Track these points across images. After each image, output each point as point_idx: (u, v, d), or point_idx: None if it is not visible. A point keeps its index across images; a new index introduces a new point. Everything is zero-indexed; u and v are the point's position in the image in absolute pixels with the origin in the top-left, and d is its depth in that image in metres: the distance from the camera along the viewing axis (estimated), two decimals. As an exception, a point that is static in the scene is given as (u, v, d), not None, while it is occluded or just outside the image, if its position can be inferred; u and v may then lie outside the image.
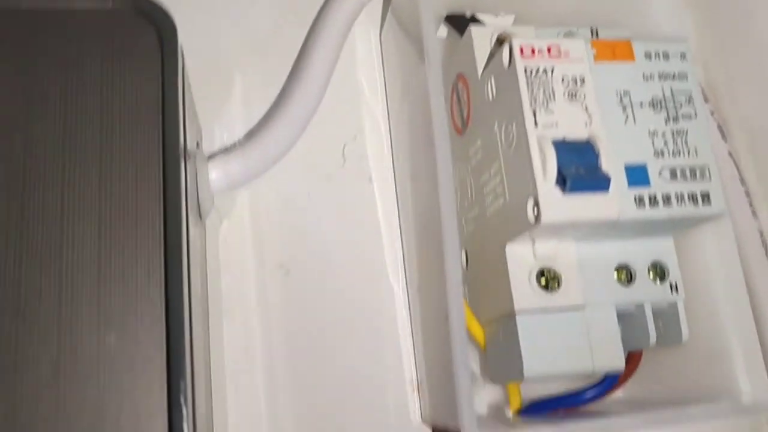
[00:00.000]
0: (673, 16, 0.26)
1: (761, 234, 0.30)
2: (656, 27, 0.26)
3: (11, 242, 0.20)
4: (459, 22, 0.31)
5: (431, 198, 0.24)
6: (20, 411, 0.19)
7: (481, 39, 0.26)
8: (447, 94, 0.29)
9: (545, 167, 0.21)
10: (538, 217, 0.21)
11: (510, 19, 0.31)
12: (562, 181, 0.21)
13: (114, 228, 0.20)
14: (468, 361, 0.21)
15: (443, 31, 0.31)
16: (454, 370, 0.21)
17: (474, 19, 0.31)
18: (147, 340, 0.20)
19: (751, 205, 0.31)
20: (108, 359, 0.19)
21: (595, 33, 0.26)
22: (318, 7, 0.31)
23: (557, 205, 0.21)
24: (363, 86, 0.32)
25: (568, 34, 0.26)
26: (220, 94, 0.30)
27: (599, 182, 0.21)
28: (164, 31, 0.22)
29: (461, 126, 0.27)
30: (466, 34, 0.26)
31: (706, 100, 0.32)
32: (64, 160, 0.21)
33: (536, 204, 0.21)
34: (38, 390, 0.19)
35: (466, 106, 0.27)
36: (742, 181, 0.31)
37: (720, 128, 0.32)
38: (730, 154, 0.31)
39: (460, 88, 0.27)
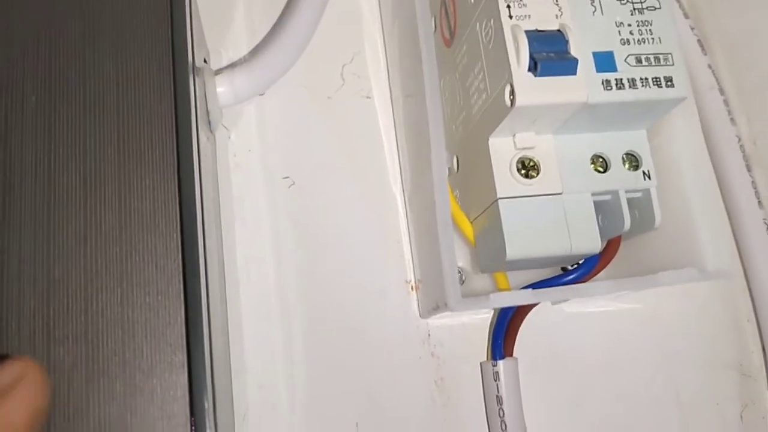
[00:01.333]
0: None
1: (738, 139, 0.32)
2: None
3: (42, 161, 0.22)
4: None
5: (420, 107, 0.26)
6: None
7: (463, -51, 0.27)
8: (436, 11, 0.31)
9: (519, 55, 0.23)
10: (513, 101, 0.23)
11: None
12: (534, 66, 0.23)
13: (132, 137, 0.23)
14: (452, 242, 0.24)
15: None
16: (440, 250, 0.24)
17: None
18: (165, 247, 0.22)
19: (729, 113, 0.32)
20: (132, 265, 0.22)
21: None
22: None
23: (530, 88, 0.23)
24: (360, 8, 0.34)
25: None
26: (225, 18, 0.32)
27: (568, 65, 0.23)
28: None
29: (449, 37, 0.29)
30: (449, -52, 0.28)
31: (686, 16, 0.34)
32: (85, 76, 0.23)
33: (512, 89, 0.23)
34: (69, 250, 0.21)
35: (453, 15, 0.28)
36: (721, 90, 0.33)
37: (700, 42, 0.33)
38: (709, 66, 0.33)
39: (447, 1, 0.29)
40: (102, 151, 0.22)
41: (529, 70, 0.23)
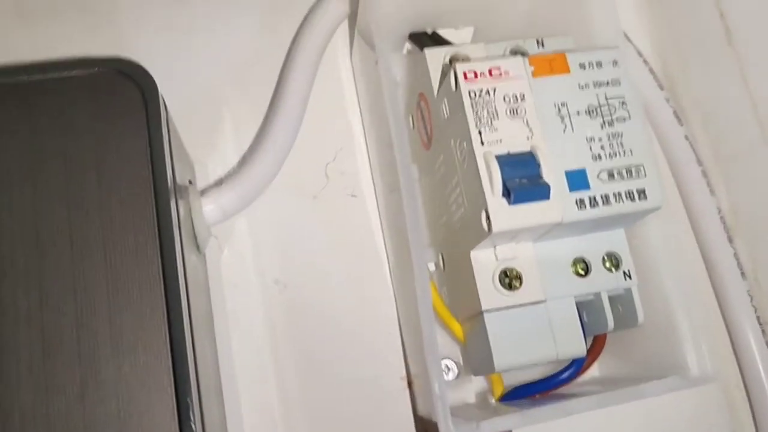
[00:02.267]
0: (613, 25, 0.28)
1: (719, 210, 0.33)
2: (600, 35, 0.28)
3: (32, 290, 0.23)
4: (422, 40, 0.33)
5: (400, 210, 0.27)
6: (54, 427, 0.22)
7: (435, 61, 0.28)
8: (413, 110, 0.31)
9: (492, 181, 0.24)
10: (490, 227, 0.24)
11: (470, 31, 0.34)
12: (507, 194, 0.23)
13: (118, 267, 0.23)
14: (438, 357, 0.24)
15: (407, 47, 0.34)
16: (426, 366, 0.24)
17: (435, 35, 0.33)
18: (155, 365, 0.23)
19: (708, 184, 0.33)
20: (123, 383, 0.22)
21: (541, 44, 0.28)
22: (292, 34, 0.34)
23: (506, 215, 0.24)
24: (339, 105, 0.34)
25: (516, 48, 0.28)
26: (210, 130, 0.33)
27: (540, 192, 0.23)
28: (146, 87, 0.25)
29: (427, 141, 0.30)
30: (421, 55, 0.28)
31: (661, 87, 0.34)
32: (69, 212, 0.24)
33: (487, 216, 0.24)
34: (66, 408, 0.22)
35: (428, 122, 0.29)
36: (699, 162, 0.33)
37: (676, 113, 0.34)
38: (686, 137, 0.33)
39: (422, 105, 0.29)
40: (91, 285, 0.23)
41: (504, 196, 0.24)
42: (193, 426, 0.22)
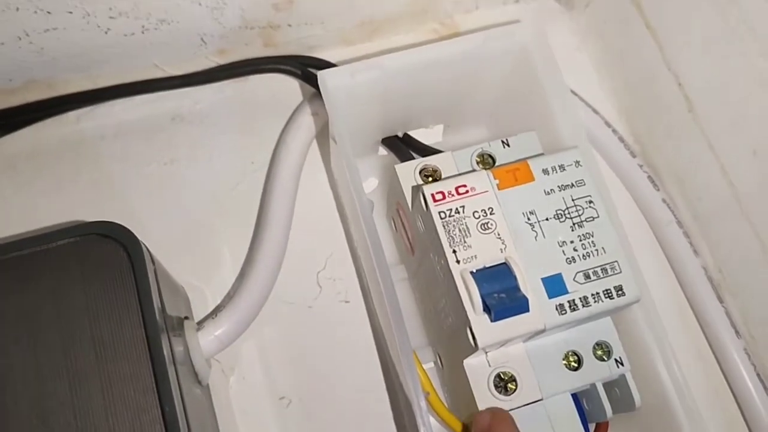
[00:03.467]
0: (572, 118, 0.28)
1: (705, 269, 0.33)
2: (562, 125, 0.29)
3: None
4: (393, 144, 0.34)
5: (386, 317, 0.27)
6: None
7: (406, 175, 0.29)
8: (393, 214, 0.32)
9: (472, 300, 0.24)
10: (476, 344, 0.24)
11: (440, 128, 0.35)
12: (488, 310, 0.24)
13: (119, 415, 0.24)
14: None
15: (383, 151, 0.35)
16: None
17: (407, 137, 0.34)
18: None
19: (691, 244, 0.33)
20: None
21: (506, 144, 0.29)
22: (270, 153, 0.35)
23: (489, 330, 0.24)
24: (324, 214, 0.35)
25: (482, 152, 0.29)
26: (204, 258, 0.34)
27: (519, 305, 0.24)
28: (129, 245, 0.26)
29: (410, 247, 0.30)
30: (392, 172, 0.29)
31: (633, 155, 0.35)
32: (68, 370, 0.25)
33: (472, 333, 0.24)
34: None
35: (409, 230, 0.30)
36: (679, 223, 0.34)
37: (650, 178, 0.35)
38: (663, 200, 0.34)
39: (401, 213, 0.30)
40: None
41: (485, 311, 0.24)
42: None
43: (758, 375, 0.31)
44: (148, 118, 0.36)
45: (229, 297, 0.32)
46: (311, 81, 0.35)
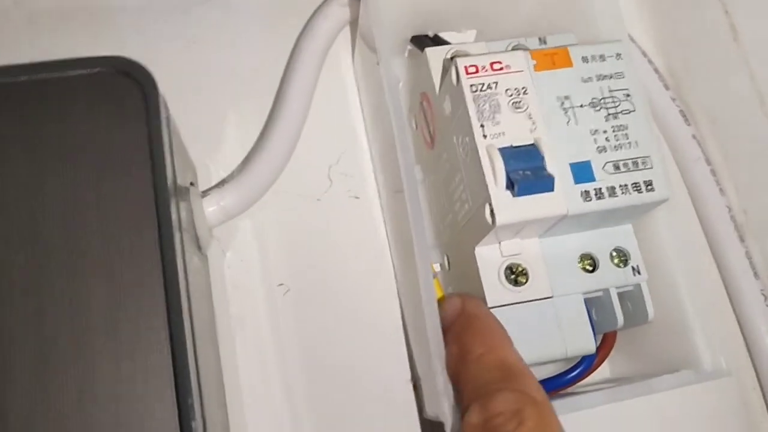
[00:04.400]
0: (616, 19, 0.27)
1: (729, 209, 0.32)
2: (603, 31, 0.28)
3: (30, 293, 0.22)
4: (423, 42, 0.33)
5: (404, 211, 0.26)
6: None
7: (436, 59, 0.28)
8: (416, 111, 0.31)
9: (495, 174, 0.23)
10: (494, 220, 0.23)
11: (472, 34, 0.34)
12: (511, 186, 0.23)
13: (118, 268, 0.23)
14: (443, 354, 0.24)
15: (409, 51, 0.34)
16: (432, 365, 0.24)
17: (437, 38, 0.33)
18: (156, 368, 0.22)
19: (717, 183, 0.32)
20: (123, 385, 0.22)
21: (543, 41, 0.28)
22: (294, 40, 0.34)
23: (510, 207, 0.23)
24: (343, 109, 0.34)
25: (518, 47, 0.28)
26: (215, 134, 0.33)
27: (544, 183, 0.23)
28: (146, 86, 0.25)
29: (430, 140, 0.29)
30: (423, 55, 0.28)
31: (667, 87, 0.34)
32: (67, 210, 0.23)
33: (491, 209, 0.23)
34: (66, 412, 0.21)
35: (431, 122, 0.29)
36: (708, 161, 0.33)
37: (682, 113, 0.33)
38: (693, 136, 0.33)
39: (425, 105, 0.29)
40: (89, 286, 0.23)
41: (507, 188, 0.23)
42: (194, 431, 0.22)
43: (772, 317, 0.30)
44: (175, -5, 0.35)
45: (237, 172, 0.31)
46: (347, -29, 0.34)
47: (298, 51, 0.33)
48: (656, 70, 0.34)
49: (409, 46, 0.33)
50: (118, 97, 0.25)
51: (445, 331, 0.24)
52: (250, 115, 0.33)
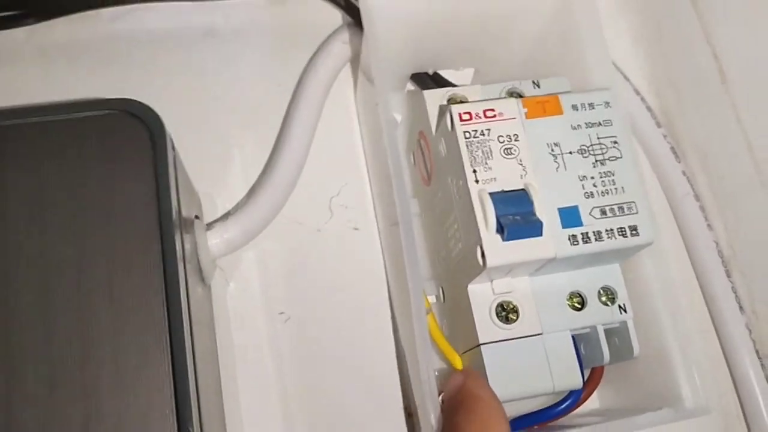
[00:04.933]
0: (606, 67, 0.28)
1: (717, 244, 0.33)
2: (595, 76, 0.29)
3: (38, 323, 0.24)
4: (423, 81, 0.34)
5: (399, 243, 0.27)
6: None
7: (433, 102, 0.29)
8: (414, 147, 0.32)
9: (486, 218, 0.24)
10: (485, 262, 0.24)
11: (470, 72, 0.35)
12: (501, 230, 0.24)
13: (123, 300, 0.24)
14: (434, 384, 0.25)
15: (411, 87, 0.35)
16: (422, 397, 0.25)
17: (437, 75, 0.34)
18: (158, 399, 0.23)
19: (706, 219, 0.33)
20: (127, 416, 0.23)
21: (537, 85, 0.29)
22: (298, 75, 0.35)
23: (500, 250, 0.24)
24: (345, 143, 0.35)
25: (512, 89, 0.29)
26: (220, 166, 0.34)
27: (533, 228, 0.24)
28: (153, 126, 0.26)
29: (427, 177, 0.31)
30: (421, 96, 0.29)
31: (659, 125, 0.35)
32: (75, 246, 0.24)
33: (482, 251, 0.24)
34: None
35: (428, 159, 0.30)
36: (697, 197, 0.34)
37: (673, 150, 0.35)
38: (683, 173, 0.34)
39: (422, 144, 0.30)
40: (96, 318, 0.24)
41: (498, 232, 0.24)
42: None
43: (757, 351, 0.31)
44: (182, 29, 0.36)
45: (241, 204, 0.32)
46: (351, 10, 0.35)
47: (302, 87, 0.34)
48: (649, 108, 0.35)
49: (410, 83, 0.35)
50: (126, 138, 0.26)
51: (443, 410, 0.24)
52: (254, 146, 0.34)
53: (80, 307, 0.24)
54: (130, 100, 0.26)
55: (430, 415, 0.24)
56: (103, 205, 0.25)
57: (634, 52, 0.38)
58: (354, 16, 0.35)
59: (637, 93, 0.35)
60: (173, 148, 0.27)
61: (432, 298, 0.31)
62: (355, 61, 0.35)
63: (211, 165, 0.34)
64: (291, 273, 0.33)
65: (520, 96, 0.29)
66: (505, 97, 0.28)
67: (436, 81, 0.34)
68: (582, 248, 0.25)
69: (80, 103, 0.26)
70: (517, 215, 0.24)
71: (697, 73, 0.33)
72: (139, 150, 0.26)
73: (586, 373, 0.29)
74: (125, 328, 0.24)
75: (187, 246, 0.27)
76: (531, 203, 0.25)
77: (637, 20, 0.37)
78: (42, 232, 0.25)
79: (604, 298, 0.27)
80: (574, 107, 0.26)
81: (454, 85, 0.34)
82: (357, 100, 0.35)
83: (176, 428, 0.23)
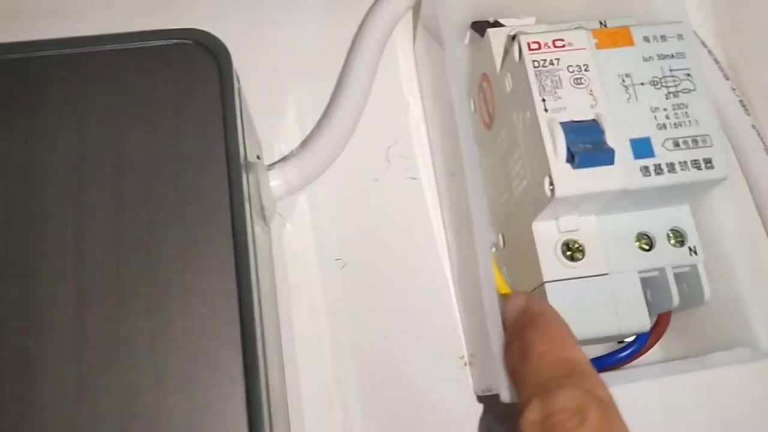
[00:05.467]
0: (676, 5, 0.28)
1: (788, 198, 0.32)
2: (663, 16, 0.28)
3: (109, 250, 0.24)
4: (483, 28, 0.34)
5: (462, 186, 0.27)
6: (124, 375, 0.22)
7: (498, 39, 0.28)
8: (474, 94, 0.32)
9: (556, 147, 0.24)
10: (553, 192, 0.24)
11: (531, 20, 0.34)
12: (571, 158, 0.24)
13: (192, 235, 0.24)
14: (499, 322, 0.24)
15: (470, 37, 0.35)
16: (488, 333, 0.24)
17: (497, 23, 0.34)
18: (224, 325, 0.23)
19: (777, 172, 0.32)
20: (193, 338, 0.23)
21: (604, 24, 0.29)
22: (356, 25, 0.35)
23: (569, 180, 0.24)
24: (402, 91, 0.35)
25: (579, 28, 0.28)
26: (276, 113, 0.34)
27: (605, 156, 0.23)
28: (221, 58, 0.26)
29: (489, 120, 0.30)
30: (485, 36, 0.29)
31: (727, 77, 0.34)
32: (146, 168, 0.25)
33: (551, 181, 0.24)
34: (138, 360, 0.22)
35: (491, 102, 0.29)
36: (767, 150, 0.33)
37: (742, 103, 0.33)
38: (753, 126, 0.33)
39: (484, 86, 0.30)
40: (164, 252, 0.24)
41: (567, 161, 0.24)
42: (260, 388, 0.23)
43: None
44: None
45: (300, 147, 0.32)
46: (410, -41, 0.35)
47: (361, 35, 0.34)
48: (716, 61, 0.34)
49: (469, 32, 0.34)
50: (195, 68, 0.26)
51: (507, 328, 0.24)
52: (312, 93, 0.34)
53: (151, 231, 0.24)
54: (200, 30, 0.26)
55: (494, 344, 0.24)
56: (173, 131, 0.25)
57: (700, 4, 0.36)
58: (414, -34, 0.34)
59: (704, 45, 0.34)
60: (238, 80, 0.27)
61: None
62: (415, 9, 0.35)
63: (269, 110, 0.34)
64: (348, 220, 0.33)
65: (588, 32, 0.28)
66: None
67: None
68: (654, 180, 0.24)
69: (152, 33, 0.26)
70: (588, 143, 0.24)
71: (765, 25, 0.32)
72: (206, 78, 0.26)
73: (652, 321, 0.28)
74: (193, 262, 0.24)
75: (251, 184, 0.27)
76: (602, 132, 0.24)
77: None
78: (115, 152, 0.25)
79: (673, 241, 0.26)
80: (646, 39, 0.26)
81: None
82: (416, 50, 0.35)
83: (242, 357, 0.23)
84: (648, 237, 0.26)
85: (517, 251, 0.28)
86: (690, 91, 0.25)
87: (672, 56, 0.25)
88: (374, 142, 0.34)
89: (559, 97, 0.25)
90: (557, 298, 0.26)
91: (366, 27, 0.34)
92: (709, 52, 0.34)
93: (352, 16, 0.35)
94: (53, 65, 0.26)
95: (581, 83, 0.25)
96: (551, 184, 0.24)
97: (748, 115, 0.33)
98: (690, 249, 0.26)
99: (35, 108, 0.25)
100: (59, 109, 0.25)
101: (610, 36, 0.25)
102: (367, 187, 0.33)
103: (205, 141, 0.25)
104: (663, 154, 0.24)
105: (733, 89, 0.34)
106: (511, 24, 0.33)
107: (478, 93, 0.31)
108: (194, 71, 0.26)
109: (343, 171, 0.33)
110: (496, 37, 0.28)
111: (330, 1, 0.36)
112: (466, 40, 0.35)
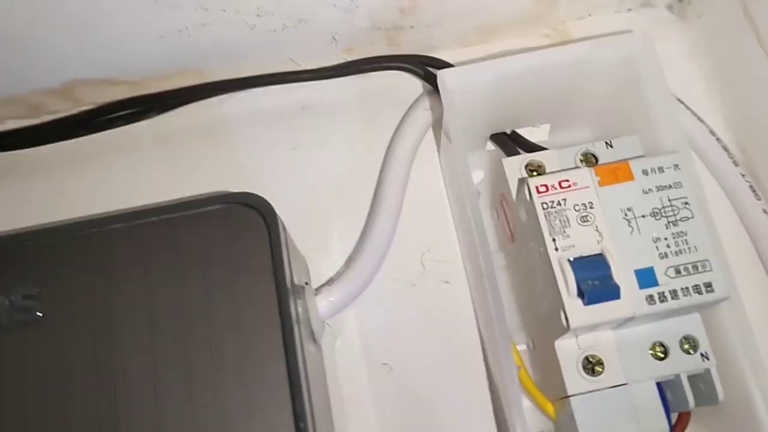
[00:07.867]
0: (674, 126, 0.30)
1: (802, 283, 0.34)
2: (664, 133, 0.31)
3: (180, 379, 0.28)
4: (502, 141, 0.37)
5: (486, 299, 0.30)
6: None
7: (512, 168, 0.31)
8: (497, 205, 0.35)
9: (567, 284, 0.27)
10: (568, 324, 0.27)
11: (546, 127, 0.37)
12: (581, 294, 0.26)
13: (247, 359, 0.28)
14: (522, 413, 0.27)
15: (491, 146, 0.38)
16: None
17: (515, 134, 0.37)
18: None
19: (789, 257, 0.34)
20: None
21: (610, 145, 0.31)
22: (386, 144, 0.38)
23: (581, 313, 0.27)
24: (432, 201, 0.38)
25: (586, 152, 0.31)
26: (320, 237, 0.37)
27: (611, 292, 0.26)
28: (266, 214, 0.30)
29: (510, 234, 0.33)
30: (499, 165, 0.32)
31: (736, 164, 0.36)
32: (206, 312, 0.29)
33: (565, 315, 0.27)
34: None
35: (510, 220, 0.32)
36: (779, 234, 0.34)
37: (752, 188, 0.35)
38: (764, 211, 0.35)
39: (504, 204, 0.33)
40: (224, 381, 0.28)
41: (578, 296, 0.27)
42: None
43: None
44: (280, 106, 0.40)
45: (344, 268, 0.35)
46: (430, 79, 0.38)
47: (390, 154, 0.37)
48: (725, 148, 0.36)
49: (489, 143, 0.37)
50: (245, 226, 0.30)
51: None
52: (349, 210, 0.38)
53: (213, 368, 0.28)
54: (248, 193, 0.30)
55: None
56: (228, 279, 0.29)
57: (708, 92, 0.39)
58: (433, 84, 0.37)
59: (713, 133, 0.36)
60: (284, 228, 0.31)
61: (523, 347, 0.34)
62: (437, 124, 0.38)
63: (311, 231, 0.37)
64: (390, 326, 0.36)
65: (594, 158, 0.31)
66: (578, 166, 0.30)
67: (513, 139, 0.36)
68: (659, 307, 0.27)
69: (206, 200, 0.30)
70: (595, 280, 0.26)
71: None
72: (256, 234, 0.30)
73: (674, 417, 0.30)
74: (250, 390, 0.28)
75: (300, 310, 0.31)
76: (608, 267, 0.27)
77: (708, 62, 0.38)
78: (179, 310, 0.29)
79: (686, 347, 0.29)
80: (645, 172, 0.28)
81: (530, 144, 0.36)
82: (441, 161, 0.38)
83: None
84: (662, 345, 0.29)
85: (544, 358, 0.31)
86: (688, 219, 0.28)
87: (669, 186, 0.28)
88: (409, 249, 0.37)
89: (568, 236, 0.27)
90: (582, 409, 0.29)
91: (394, 146, 0.37)
92: (718, 139, 0.36)
93: (382, 130, 0.39)
94: (123, 237, 0.30)
95: (587, 220, 0.28)
96: (566, 317, 0.27)
97: (759, 199, 0.35)
98: (702, 355, 0.29)
99: (110, 275, 0.29)
100: (130, 275, 0.29)
101: (612, 172, 0.28)
102: (405, 292, 0.36)
103: (258, 281, 0.29)
104: (666, 282, 0.27)
105: (743, 175, 0.36)
106: (527, 133, 0.36)
107: (499, 205, 0.34)
108: (245, 229, 0.30)
109: (384, 280, 0.36)
110: (510, 166, 0.31)
111: (359, 119, 0.39)
112: (487, 148, 0.38)
